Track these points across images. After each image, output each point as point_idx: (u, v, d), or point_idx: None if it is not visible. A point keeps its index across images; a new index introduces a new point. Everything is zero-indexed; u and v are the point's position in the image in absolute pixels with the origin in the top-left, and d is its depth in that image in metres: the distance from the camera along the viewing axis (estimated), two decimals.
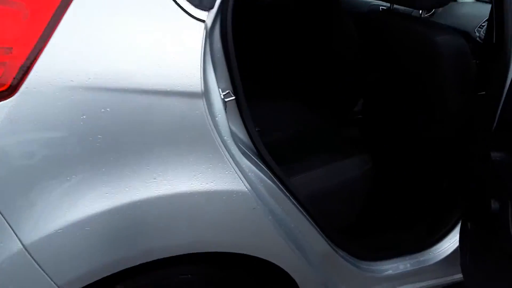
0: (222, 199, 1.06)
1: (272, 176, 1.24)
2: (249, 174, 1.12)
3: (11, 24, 0.90)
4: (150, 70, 0.96)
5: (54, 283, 0.96)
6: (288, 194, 1.27)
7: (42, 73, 0.89)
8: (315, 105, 2.52)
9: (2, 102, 0.87)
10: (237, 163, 1.07)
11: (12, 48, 0.89)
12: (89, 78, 0.91)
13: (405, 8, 2.31)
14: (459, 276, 1.65)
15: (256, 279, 1.33)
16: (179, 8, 0.98)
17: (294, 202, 1.29)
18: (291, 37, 2.37)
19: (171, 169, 1.00)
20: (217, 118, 1.05)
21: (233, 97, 1.11)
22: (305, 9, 2.28)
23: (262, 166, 1.22)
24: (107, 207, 0.97)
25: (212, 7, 1.03)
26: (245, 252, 1.15)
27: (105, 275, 1.03)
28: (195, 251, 1.09)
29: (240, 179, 1.06)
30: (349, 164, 1.70)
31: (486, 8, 2.07)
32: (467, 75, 1.62)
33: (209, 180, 1.03)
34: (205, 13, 1.01)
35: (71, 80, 0.90)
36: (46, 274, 0.95)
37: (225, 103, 1.09)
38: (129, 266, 1.05)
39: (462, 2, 2.84)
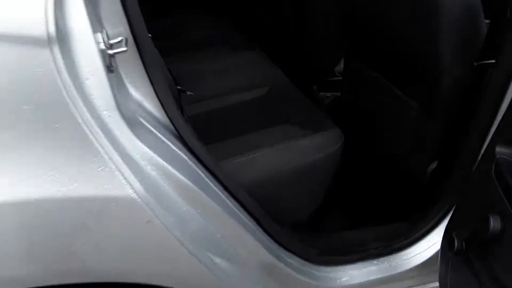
0: (91, 210, 0.69)
1: (194, 165, 0.87)
2: (146, 167, 0.75)
3: None
4: None
5: None
6: (216, 189, 0.91)
7: None
8: (286, 61, 2.12)
9: None
10: (121, 152, 0.70)
11: None
12: None
13: None
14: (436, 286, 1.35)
15: None
16: None
17: (226, 199, 0.93)
18: None
19: (7, 163, 0.62)
20: (88, 81, 0.66)
21: (125, 48, 0.72)
22: None
23: (179, 152, 0.85)
24: None
25: None
26: (138, 281, 0.80)
27: None
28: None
29: (123, 178, 0.69)
30: (313, 141, 1.33)
31: None
32: (473, 39, 1.23)
33: (68, 180, 0.65)
34: None
35: None
36: None
37: (109, 57, 0.70)
38: None
39: None
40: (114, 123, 0.69)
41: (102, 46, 0.68)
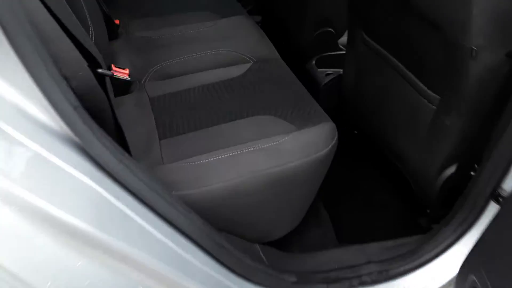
0: None
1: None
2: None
3: None
4: None
5: None
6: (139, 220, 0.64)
7: None
8: (280, 29, 1.80)
9: None
10: None
11: None
12: None
13: None
14: None
15: None
16: None
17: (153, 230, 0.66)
18: None
19: None
20: None
21: None
22: None
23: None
24: None
25: None
26: None
27: None
28: None
29: None
30: (298, 140, 1.04)
31: None
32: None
33: None
34: None
35: None
36: None
37: None
38: None
39: None
40: None
41: None
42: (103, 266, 0.55)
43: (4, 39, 0.50)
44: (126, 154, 0.66)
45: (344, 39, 1.75)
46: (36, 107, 0.53)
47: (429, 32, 1.03)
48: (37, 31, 0.56)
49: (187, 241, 0.70)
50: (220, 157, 0.96)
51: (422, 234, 1.18)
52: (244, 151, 0.97)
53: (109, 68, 1.25)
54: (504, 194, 0.94)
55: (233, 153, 0.96)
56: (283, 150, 0.99)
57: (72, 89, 0.61)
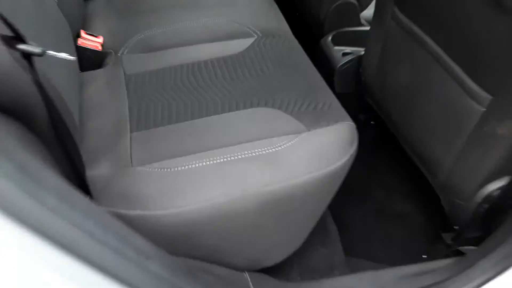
0: None
1: None
2: None
3: None
4: None
5: None
6: None
7: None
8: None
9: None
10: None
11: None
12: None
13: None
14: None
15: None
16: None
17: None
18: None
19: None
20: None
21: None
22: None
23: None
24: None
25: None
26: None
27: None
28: None
29: None
30: (306, 148, 0.79)
31: None
32: None
33: None
34: None
35: None
36: None
37: None
38: None
39: None
40: None
41: None
42: None
43: None
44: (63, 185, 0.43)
45: (367, 12, 1.48)
46: None
47: (492, 14, 0.77)
48: None
49: None
50: (203, 163, 0.73)
51: (448, 258, 0.96)
52: (235, 157, 0.73)
53: (78, 35, 1.01)
54: None
55: (221, 160, 0.73)
56: (286, 159, 0.75)
57: None
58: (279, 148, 0.75)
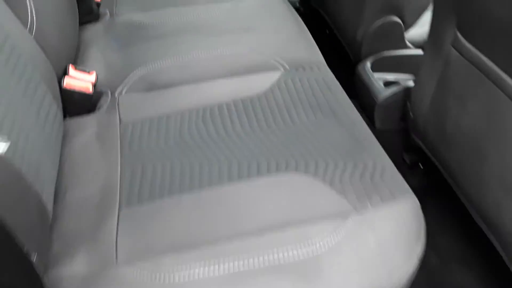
0: None
1: None
2: None
3: None
4: None
5: None
6: None
7: None
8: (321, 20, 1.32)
9: None
10: None
11: None
12: None
13: None
14: None
15: None
16: None
17: None
18: None
19: None
20: None
21: None
22: None
23: None
24: None
25: None
26: None
27: None
28: None
29: None
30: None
31: None
32: None
33: None
34: None
35: None
36: None
37: None
38: None
39: None
40: None
41: None
42: None
43: None
44: None
45: (414, 32, 1.24)
46: None
47: None
48: None
49: None
50: (210, 271, 0.51)
51: None
52: (255, 265, 0.51)
53: (64, 72, 0.81)
54: None
55: (235, 268, 0.51)
56: (327, 272, 0.52)
57: None
58: (318, 249, 0.52)
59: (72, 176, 0.68)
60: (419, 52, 1.21)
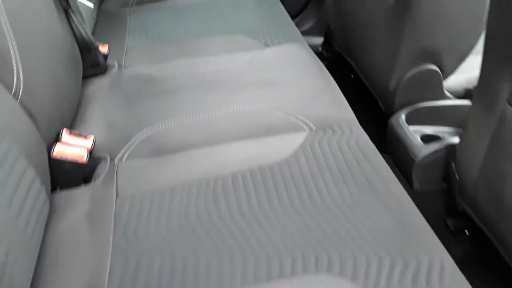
0: None
1: None
2: None
3: None
4: None
5: None
6: None
7: None
8: (348, 67, 1.21)
9: None
10: None
11: None
12: None
13: None
14: None
15: None
16: None
17: None
18: None
19: None
20: None
21: None
22: None
23: None
24: None
25: None
26: None
27: None
28: None
29: None
30: None
31: None
32: None
33: None
34: None
35: None
36: None
37: None
38: None
39: None
40: None
41: None
42: None
43: None
44: None
45: (454, 80, 1.10)
46: None
47: None
48: None
49: None
50: None
51: None
52: None
53: (58, 137, 0.70)
54: None
55: None
56: None
57: None
58: None
59: (53, 269, 0.56)
60: (460, 102, 1.07)
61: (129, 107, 0.83)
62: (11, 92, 0.60)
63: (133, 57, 1.01)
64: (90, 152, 0.70)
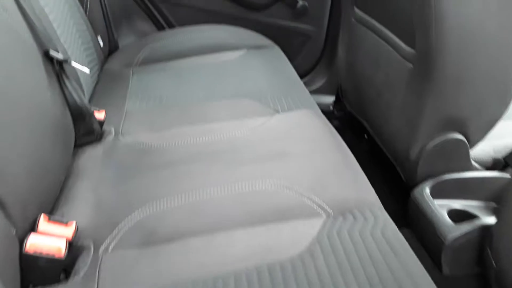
0: None
1: None
2: None
3: None
4: None
5: None
6: None
7: None
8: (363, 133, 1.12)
9: None
10: None
11: None
12: None
13: None
14: None
15: None
16: None
17: None
18: None
19: None
20: None
21: None
22: None
23: None
24: None
25: None
26: None
27: None
28: None
29: None
30: None
31: None
32: None
33: None
34: None
35: None
36: None
37: None
38: None
39: None
40: None
41: None
42: None
43: None
44: None
45: (481, 150, 1.00)
46: None
47: None
48: None
49: None
50: None
51: None
52: None
53: (34, 225, 0.60)
54: None
55: None
56: None
57: None
58: None
59: None
60: (489, 174, 0.96)
61: (121, 184, 0.73)
62: None
63: (132, 123, 0.92)
64: (71, 243, 0.60)
